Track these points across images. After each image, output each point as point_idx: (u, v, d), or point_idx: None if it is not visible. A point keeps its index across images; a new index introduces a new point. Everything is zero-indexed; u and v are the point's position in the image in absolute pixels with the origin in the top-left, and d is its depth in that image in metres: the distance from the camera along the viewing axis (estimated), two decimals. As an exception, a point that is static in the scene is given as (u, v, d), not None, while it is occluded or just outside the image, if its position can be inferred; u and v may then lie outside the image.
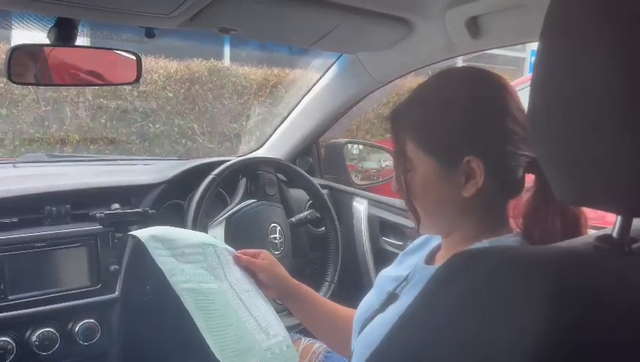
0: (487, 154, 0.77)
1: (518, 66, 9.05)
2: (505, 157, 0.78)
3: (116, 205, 1.39)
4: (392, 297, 0.90)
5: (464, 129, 0.78)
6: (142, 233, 1.06)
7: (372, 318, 0.90)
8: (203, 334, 0.96)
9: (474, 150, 0.77)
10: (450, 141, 0.79)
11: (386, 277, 0.98)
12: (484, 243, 0.81)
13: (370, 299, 0.97)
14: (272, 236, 1.48)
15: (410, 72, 1.60)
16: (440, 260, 0.89)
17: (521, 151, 0.78)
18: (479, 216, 0.83)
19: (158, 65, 5.18)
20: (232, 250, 1.13)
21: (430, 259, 0.92)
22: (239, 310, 1.02)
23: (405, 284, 0.90)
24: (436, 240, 0.94)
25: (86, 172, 1.62)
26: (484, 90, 0.80)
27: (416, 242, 1.03)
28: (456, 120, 0.79)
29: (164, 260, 1.01)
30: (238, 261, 1.11)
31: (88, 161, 1.90)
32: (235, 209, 1.46)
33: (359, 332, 0.92)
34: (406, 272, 0.93)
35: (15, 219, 1.26)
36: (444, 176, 0.80)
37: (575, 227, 0.78)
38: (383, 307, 0.90)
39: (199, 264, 1.05)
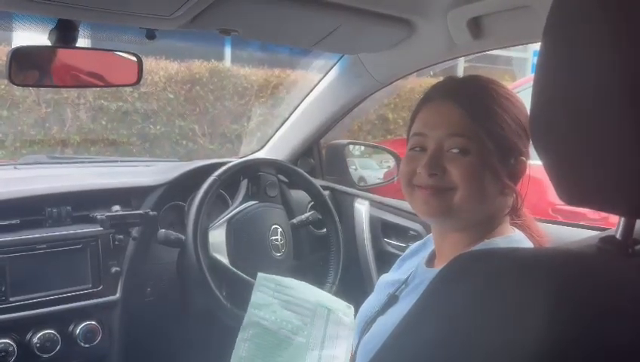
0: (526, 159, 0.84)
1: (520, 67, 9.04)
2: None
3: (117, 207, 1.39)
4: (392, 299, 0.90)
5: (523, 131, 0.83)
6: (265, 275, 1.14)
7: (373, 320, 0.90)
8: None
9: (524, 153, 0.83)
10: (511, 137, 0.82)
11: (385, 281, 0.98)
12: (488, 243, 0.81)
13: (370, 303, 0.97)
14: (273, 238, 1.47)
15: (411, 73, 1.59)
16: (440, 262, 0.89)
17: None
18: (489, 215, 0.84)
19: (158, 67, 5.18)
20: (351, 322, 1.12)
21: (430, 261, 0.92)
22: None
23: (405, 287, 0.90)
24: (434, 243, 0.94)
25: (87, 174, 1.62)
26: None
27: (414, 246, 1.03)
28: (520, 121, 0.83)
29: (260, 295, 1.09)
30: None
31: (89, 162, 1.90)
32: (237, 210, 1.45)
33: (360, 334, 0.92)
34: (405, 276, 0.93)
35: (16, 221, 1.26)
36: (497, 168, 0.81)
37: None
38: (383, 309, 0.90)
39: (300, 317, 1.09)
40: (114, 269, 1.36)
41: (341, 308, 1.15)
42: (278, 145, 1.87)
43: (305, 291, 1.15)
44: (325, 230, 1.63)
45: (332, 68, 1.68)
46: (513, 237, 0.85)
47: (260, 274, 1.14)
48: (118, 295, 1.37)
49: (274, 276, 1.15)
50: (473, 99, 0.83)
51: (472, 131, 0.81)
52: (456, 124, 0.82)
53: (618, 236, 0.50)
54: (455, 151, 0.81)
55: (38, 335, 1.23)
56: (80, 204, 1.37)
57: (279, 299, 1.10)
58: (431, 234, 0.98)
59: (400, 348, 0.52)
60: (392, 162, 2.11)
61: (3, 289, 1.20)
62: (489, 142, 0.80)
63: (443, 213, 0.83)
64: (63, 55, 1.17)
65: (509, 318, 0.43)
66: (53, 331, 1.25)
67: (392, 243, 1.68)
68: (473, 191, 0.81)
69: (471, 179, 0.80)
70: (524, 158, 0.84)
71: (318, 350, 1.07)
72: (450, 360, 0.45)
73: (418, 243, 1.03)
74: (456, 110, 0.82)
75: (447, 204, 0.82)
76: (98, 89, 4.14)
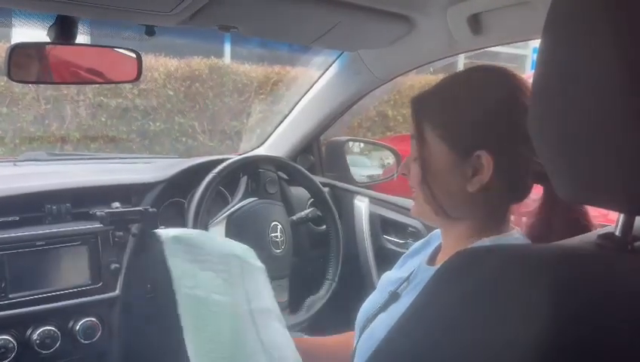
0: (500, 153, 0.77)
1: (520, 64, 9.04)
2: (517, 159, 0.78)
3: (117, 203, 1.39)
4: (393, 297, 0.90)
5: (482, 124, 0.79)
6: (166, 232, 1.03)
7: (374, 317, 0.90)
8: (186, 343, 0.97)
9: (487, 146, 0.78)
10: (466, 132, 0.80)
11: (388, 279, 0.99)
12: (485, 241, 0.81)
13: (372, 300, 0.98)
14: (272, 234, 1.47)
15: (411, 70, 1.59)
16: (442, 260, 0.89)
17: (535, 157, 0.78)
18: (481, 213, 0.83)
19: (158, 63, 5.19)
20: (261, 265, 1.10)
21: (432, 259, 0.92)
22: (245, 329, 1.00)
23: (407, 285, 0.91)
24: (437, 241, 0.94)
25: (86, 170, 1.62)
26: (510, 89, 0.80)
27: (417, 244, 1.03)
28: (477, 114, 0.79)
29: (176, 263, 0.99)
30: None
31: (89, 159, 1.90)
32: (236, 207, 1.45)
33: (361, 331, 0.92)
34: (407, 273, 0.93)
35: (16, 218, 1.26)
36: (454, 166, 0.80)
37: (577, 226, 0.79)
38: (384, 306, 0.90)
39: (219, 274, 1.03)
40: (113, 266, 1.36)
41: (247, 252, 1.10)
42: (277, 142, 1.87)
43: (213, 243, 1.08)
44: (325, 227, 1.63)
45: (332, 65, 1.68)
46: (512, 235, 0.85)
47: (164, 237, 1.01)
48: (117, 291, 1.37)
49: (176, 231, 1.04)
50: (424, 99, 0.84)
51: (421, 134, 0.83)
52: (413, 127, 0.85)
53: (617, 233, 0.50)
54: (413, 154, 0.85)
55: (38, 332, 1.23)
56: (79, 200, 1.37)
57: (197, 260, 1.02)
58: (433, 232, 1.01)
59: (398, 344, 0.52)
60: (391, 159, 2.11)
61: (2, 285, 1.20)
62: (438, 143, 0.81)
63: (419, 215, 0.89)
64: (63, 52, 1.17)
65: (508, 316, 0.43)
66: (53, 327, 1.25)
67: (391, 239, 1.69)
68: (425, 195, 0.84)
69: (420, 183, 0.83)
70: (484, 151, 0.77)
71: (246, 305, 1.02)
72: (447, 358, 0.45)
73: (421, 241, 1.04)
74: (413, 113, 0.85)
75: (420, 208, 0.87)
76: (97, 86, 4.14)
